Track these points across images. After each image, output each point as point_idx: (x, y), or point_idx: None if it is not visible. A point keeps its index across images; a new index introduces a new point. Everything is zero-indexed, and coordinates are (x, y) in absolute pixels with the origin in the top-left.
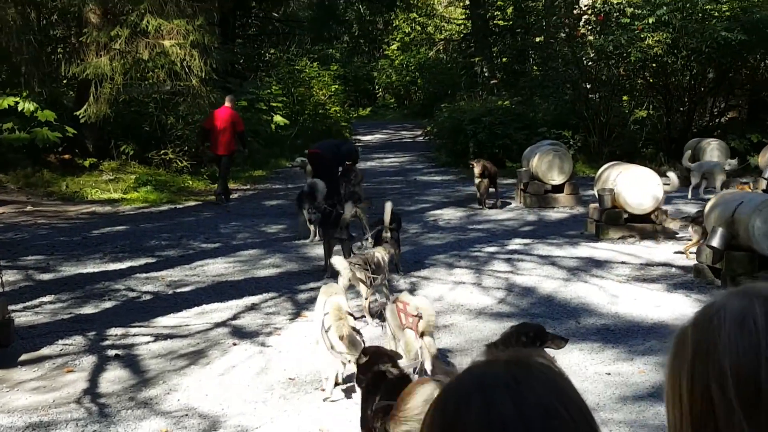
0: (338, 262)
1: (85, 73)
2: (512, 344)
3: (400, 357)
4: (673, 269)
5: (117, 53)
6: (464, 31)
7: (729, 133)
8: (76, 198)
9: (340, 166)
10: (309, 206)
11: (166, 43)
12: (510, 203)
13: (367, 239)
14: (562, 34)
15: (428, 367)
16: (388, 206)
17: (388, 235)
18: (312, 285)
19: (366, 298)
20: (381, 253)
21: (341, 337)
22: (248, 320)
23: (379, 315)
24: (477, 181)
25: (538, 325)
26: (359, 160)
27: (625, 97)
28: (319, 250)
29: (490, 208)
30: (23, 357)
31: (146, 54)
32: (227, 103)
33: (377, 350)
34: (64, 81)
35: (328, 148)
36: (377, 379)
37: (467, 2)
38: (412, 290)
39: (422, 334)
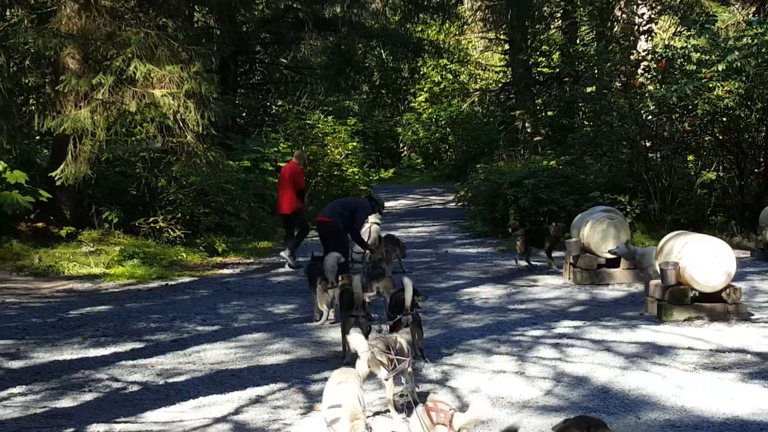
0: (356, 340)
1: (62, 127)
2: None
3: None
4: (749, 356)
5: (99, 104)
6: (503, 80)
7: None
8: (51, 273)
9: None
10: (322, 282)
11: (157, 92)
12: (559, 273)
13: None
14: (618, 84)
15: None
16: (408, 284)
17: (410, 318)
18: (326, 374)
19: (387, 381)
20: (404, 338)
21: None
22: (253, 415)
23: (407, 409)
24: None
25: (598, 419)
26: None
27: (690, 157)
28: (334, 334)
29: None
30: None
31: (133, 105)
32: (294, 159)
33: None
34: (38, 137)
35: (339, 213)
36: None
37: (506, 47)
38: (443, 380)
39: (458, 430)
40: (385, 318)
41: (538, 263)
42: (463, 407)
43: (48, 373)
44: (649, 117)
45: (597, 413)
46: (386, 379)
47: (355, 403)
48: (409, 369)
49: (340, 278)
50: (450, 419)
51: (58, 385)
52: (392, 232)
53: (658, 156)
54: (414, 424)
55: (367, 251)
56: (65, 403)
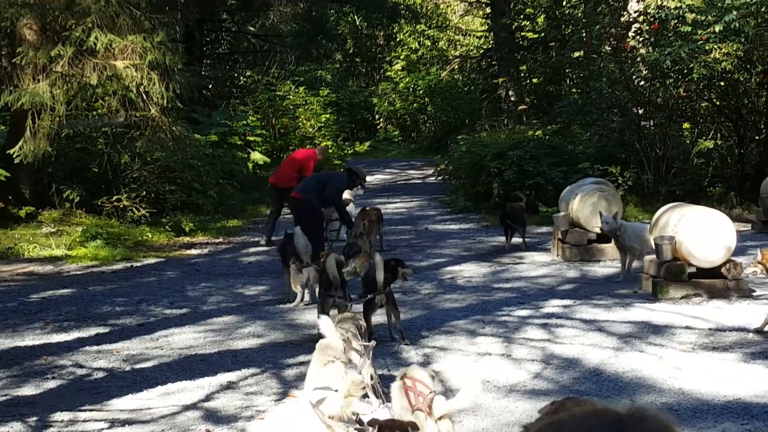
0: (326, 325)
1: (20, 102)
2: None
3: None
4: (750, 335)
5: (59, 77)
6: (485, 46)
7: None
8: (10, 255)
9: (329, 208)
10: (296, 262)
11: (119, 64)
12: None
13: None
14: (607, 48)
15: None
16: (380, 262)
17: (383, 297)
18: (302, 358)
19: (361, 372)
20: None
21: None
22: (224, 402)
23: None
24: None
25: (587, 399)
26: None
27: (686, 125)
28: (309, 316)
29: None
30: None
31: (95, 78)
32: (317, 150)
33: (390, 423)
34: None
35: (313, 188)
36: None
37: (488, 10)
38: (425, 363)
39: (440, 418)
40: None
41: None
42: (446, 392)
43: (9, 359)
44: (642, 82)
45: (589, 397)
46: (363, 373)
47: (358, 380)
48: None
49: (320, 256)
50: (429, 404)
51: (20, 372)
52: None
53: (652, 124)
54: (395, 396)
55: (347, 229)
56: (27, 390)
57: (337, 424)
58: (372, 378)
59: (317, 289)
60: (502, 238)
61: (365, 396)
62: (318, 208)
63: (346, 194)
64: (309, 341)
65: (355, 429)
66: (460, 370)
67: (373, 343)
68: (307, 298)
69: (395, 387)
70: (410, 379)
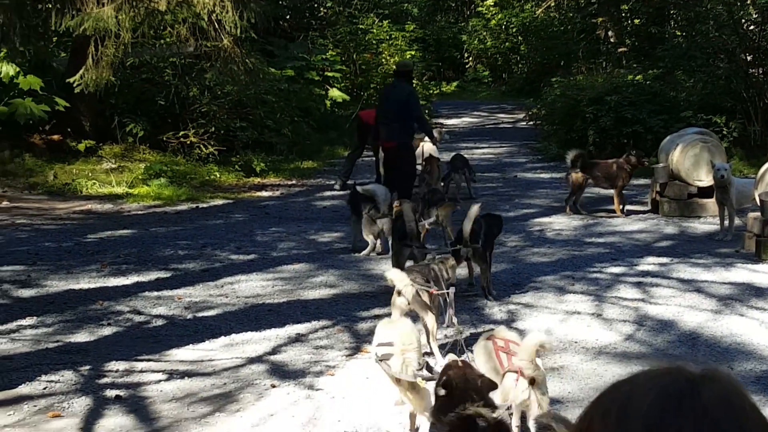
0: (396, 275)
1: (83, 27)
2: None
3: (495, 387)
4: None
5: (125, 1)
6: None
7: None
8: (68, 192)
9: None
10: (372, 210)
11: None
12: (644, 210)
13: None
14: None
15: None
16: (474, 210)
17: (469, 249)
18: (376, 311)
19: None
20: (438, 266)
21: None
22: (292, 356)
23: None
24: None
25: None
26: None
27: None
28: (385, 266)
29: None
30: None
31: (163, 4)
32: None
33: (463, 378)
34: (55, 38)
35: (398, 130)
36: (462, 428)
37: None
38: (509, 321)
39: (532, 381)
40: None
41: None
42: None
43: (62, 303)
44: (751, 27)
45: (683, 362)
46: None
47: (411, 336)
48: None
49: (394, 205)
50: (524, 369)
51: (73, 317)
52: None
53: (761, 72)
54: (480, 357)
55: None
56: (81, 337)
57: (404, 376)
58: (458, 330)
59: (390, 240)
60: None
61: (427, 353)
62: (413, 154)
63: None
64: (384, 293)
65: (424, 379)
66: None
67: (451, 290)
68: (379, 247)
69: (481, 347)
70: (502, 340)
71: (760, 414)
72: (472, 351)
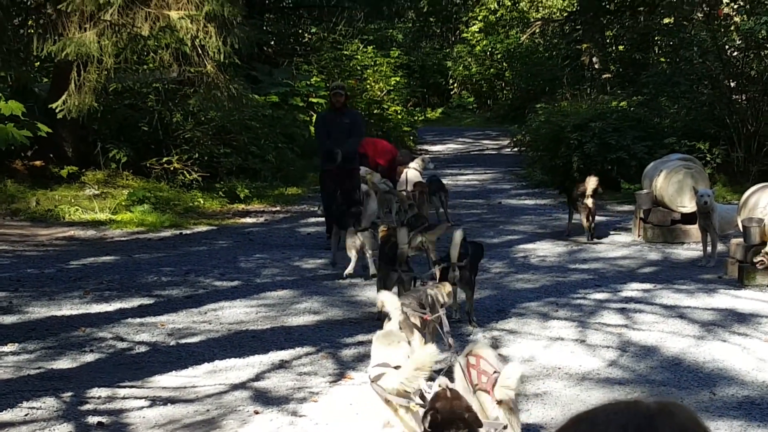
0: (387, 298)
1: (65, 52)
2: None
3: (481, 425)
4: None
5: (107, 26)
6: (568, 9)
7: None
8: (50, 218)
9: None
10: (355, 224)
11: (173, 14)
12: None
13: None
14: (699, 15)
15: None
16: (458, 236)
17: (457, 274)
18: (360, 338)
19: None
20: (435, 291)
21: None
22: (275, 382)
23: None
24: (589, 202)
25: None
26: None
27: None
28: (370, 293)
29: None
30: None
31: (146, 28)
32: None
33: (450, 408)
34: (37, 63)
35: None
36: None
37: None
38: (493, 347)
39: (499, 402)
40: (428, 275)
41: (603, 218)
42: None
43: (44, 330)
44: (735, 53)
45: (666, 388)
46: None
47: (423, 362)
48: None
49: (381, 229)
50: (493, 385)
51: (56, 343)
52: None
53: (744, 98)
54: (458, 375)
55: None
56: (63, 364)
57: (397, 399)
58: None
59: (372, 260)
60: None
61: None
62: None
63: (414, 164)
64: (368, 319)
65: (416, 404)
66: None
67: (440, 314)
68: (372, 269)
69: (460, 363)
70: (474, 357)
71: None
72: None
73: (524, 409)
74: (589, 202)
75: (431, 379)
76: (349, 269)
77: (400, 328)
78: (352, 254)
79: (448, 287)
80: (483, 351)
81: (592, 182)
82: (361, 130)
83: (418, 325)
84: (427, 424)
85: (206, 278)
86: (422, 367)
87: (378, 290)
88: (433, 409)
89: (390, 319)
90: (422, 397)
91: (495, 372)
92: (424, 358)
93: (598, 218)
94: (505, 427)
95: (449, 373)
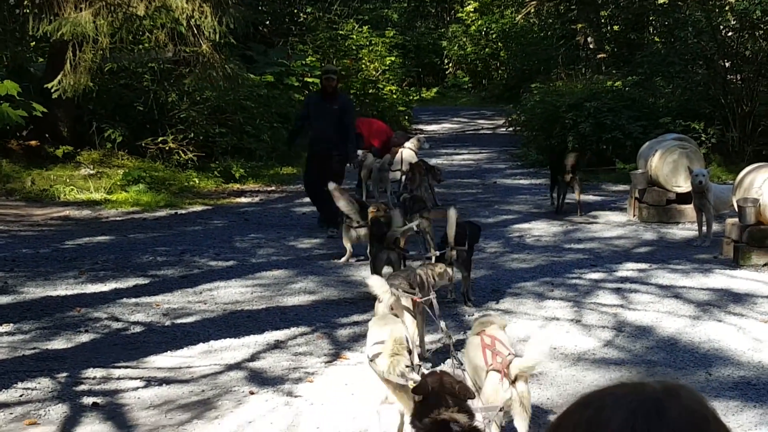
0: (376, 283)
1: (60, 32)
2: None
3: (472, 396)
4: None
5: (103, 6)
6: None
7: None
8: (45, 198)
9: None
10: (347, 219)
11: None
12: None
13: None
14: None
15: (521, 428)
16: (452, 215)
17: (454, 254)
18: (356, 318)
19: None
20: (425, 271)
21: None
22: (270, 362)
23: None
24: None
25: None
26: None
27: None
28: (365, 273)
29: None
30: None
31: (142, 8)
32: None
33: (439, 384)
34: (32, 42)
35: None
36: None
37: None
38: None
39: (515, 380)
40: (422, 255)
41: (599, 198)
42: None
43: (39, 310)
44: (729, 33)
45: (662, 368)
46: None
47: (400, 338)
48: (435, 306)
49: (370, 210)
50: (507, 365)
51: (51, 324)
52: (433, 160)
53: (739, 78)
54: (469, 352)
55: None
56: (58, 344)
57: (395, 377)
58: (447, 335)
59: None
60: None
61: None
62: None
63: (409, 144)
64: (364, 299)
65: (414, 381)
66: (519, 337)
67: (432, 296)
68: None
69: (471, 343)
70: (489, 337)
71: (721, 423)
72: (458, 358)
73: None
74: (567, 177)
75: (426, 359)
76: (344, 259)
77: (391, 309)
78: (348, 246)
79: (439, 267)
80: (496, 332)
81: (569, 159)
82: (351, 115)
83: (409, 306)
84: (417, 399)
85: (201, 258)
86: (396, 353)
87: (371, 270)
88: (423, 381)
89: (380, 301)
90: (421, 374)
91: (509, 354)
92: (392, 346)
93: (592, 197)
94: (501, 410)
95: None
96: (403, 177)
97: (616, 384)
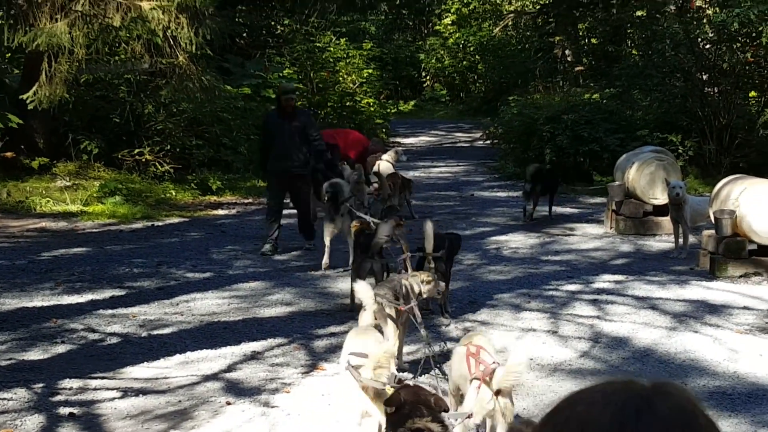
0: (362, 289)
1: (36, 43)
2: None
3: (447, 408)
4: None
5: (78, 17)
6: (541, 2)
7: None
8: (21, 210)
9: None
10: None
11: (145, 5)
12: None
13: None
14: (672, 7)
15: None
16: (429, 228)
17: (432, 266)
18: (333, 329)
19: (393, 334)
20: (410, 281)
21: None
22: (247, 373)
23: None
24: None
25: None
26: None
27: (753, 93)
28: (342, 284)
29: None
30: None
31: (117, 19)
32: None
33: (414, 396)
34: (8, 54)
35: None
36: None
37: None
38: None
39: (498, 392)
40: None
41: (576, 210)
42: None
43: (15, 321)
44: (707, 46)
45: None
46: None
47: (391, 351)
48: (418, 315)
49: (353, 225)
50: (490, 374)
51: (27, 335)
52: (411, 172)
53: (716, 91)
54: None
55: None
56: (34, 355)
57: (373, 383)
58: (428, 343)
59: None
60: (554, 208)
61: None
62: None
63: (386, 157)
64: (341, 311)
65: (392, 388)
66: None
67: (413, 304)
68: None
69: (457, 352)
70: (474, 346)
71: (711, 421)
72: (438, 367)
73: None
74: (527, 187)
75: (403, 370)
76: (324, 260)
77: (375, 319)
78: (327, 242)
79: (422, 276)
80: (482, 341)
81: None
82: (315, 129)
83: (393, 315)
84: (391, 411)
85: (178, 270)
86: (381, 366)
87: (352, 279)
88: (396, 393)
89: (365, 309)
90: (399, 381)
91: (494, 363)
92: (380, 357)
93: (569, 209)
94: (469, 416)
95: (427, 364)
96: (372, 186)
97: (606, 381)
